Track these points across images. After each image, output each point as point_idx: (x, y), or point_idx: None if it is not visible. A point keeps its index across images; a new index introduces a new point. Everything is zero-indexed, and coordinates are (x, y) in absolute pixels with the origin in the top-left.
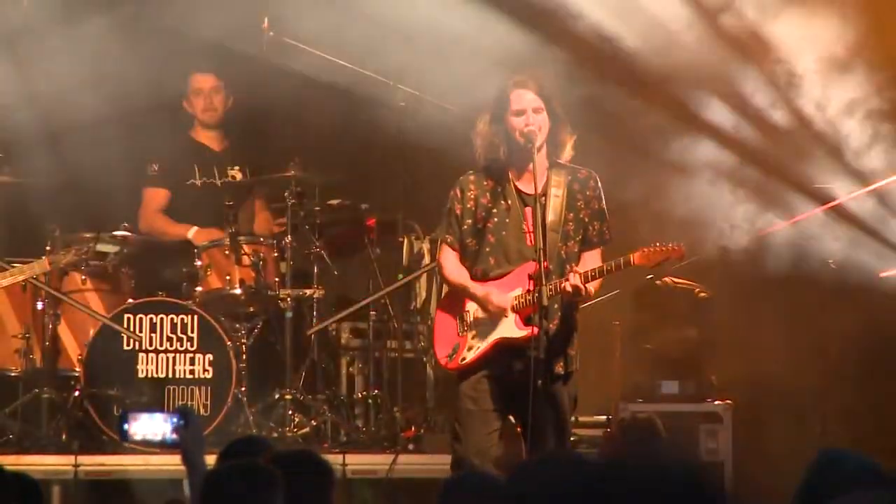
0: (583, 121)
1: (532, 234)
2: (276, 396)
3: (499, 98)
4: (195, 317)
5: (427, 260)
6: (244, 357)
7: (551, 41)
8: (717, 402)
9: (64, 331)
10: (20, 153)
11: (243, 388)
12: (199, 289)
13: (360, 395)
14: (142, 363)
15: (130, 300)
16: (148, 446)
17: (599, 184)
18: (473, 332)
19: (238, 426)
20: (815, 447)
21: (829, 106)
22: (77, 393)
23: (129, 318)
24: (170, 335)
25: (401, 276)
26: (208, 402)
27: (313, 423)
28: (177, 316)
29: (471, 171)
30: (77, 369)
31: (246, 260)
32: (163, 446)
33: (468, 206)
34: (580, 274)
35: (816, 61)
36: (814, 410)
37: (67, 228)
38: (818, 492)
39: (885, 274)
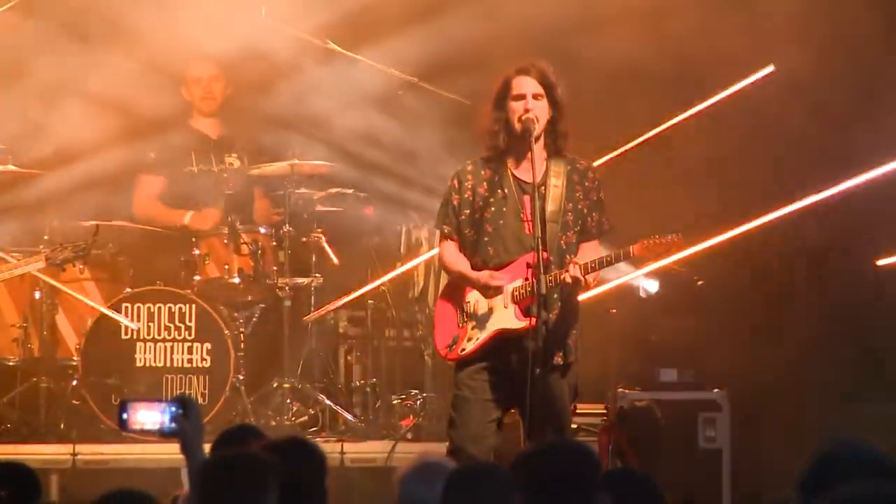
0: None
1: (530, 223)
2: (275, 385)
3: (500, 85)
4: (193, 306)
5: (425, 248)
6: (242, 346)
7: None
8: (715, 391)
9: (62, 320)
10: (20, 142)
11: (241, 377)
12: (197, 277)
13: (358, 384)
14: (140, 352)
15: (128, 289)
16: (147, 435)
17: (598, 175)
18: (473, 323)
19: (236, 415)
20: (815, 435)
21: None
22: (75, 382)
23: (127, 307)
24: (168, 324)
25: (399, 264)
26: (206, 391)
27: (311, 411)
28: (175, 305)
29: (469, 161)
30: (75, 358)
31: (244, 249)
32: (161, 435)
33: (465, 195)
34: (580, 265)
35: None
36: (812, 399)
37: (66, 218)
38: (826, 479)
39: (881, 262)
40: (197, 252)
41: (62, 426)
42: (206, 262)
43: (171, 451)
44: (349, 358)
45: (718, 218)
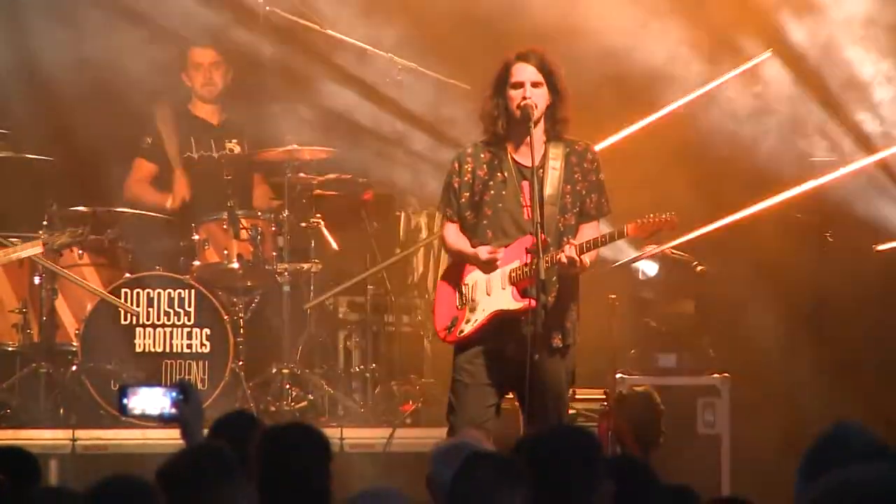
0: None
1: (529, 208)
2: (274, 371)
3: (501, 71)
4: (192, 291)
5: (424, 234)
6: (241, 331)
7: None
8: (714, 376)
9: (61, 305)
10: (19, 127)
11: (241, 363)
12: (196, 263)
13: (357, 370)
14: (139, 337)
15: (128, 274)
16: (147, 421)
17: (597, 156)
18: (471, 305)
19: (235, 400)
20: (814, 422)
21: None
22: (74, 367)
23: (126, 293)
24: (167, 309)
25: (398, 250)
26: (205, 377)
27: (310, 397)
28: (174, 290)
29: (469, 145)
30: (74, 344)
31: (244, 234)
32: (162, 421)
33: (465, 179)
34: (576, 246)
35: None
36: (811, 384)
37: (65, 203)
38: (825, 464)
39: (881, 247)
40: (196, 237)
41: (62, 411)
42: (206, 247)
43: (170, 437)
44: (348, 343)
45: (716, 202)
